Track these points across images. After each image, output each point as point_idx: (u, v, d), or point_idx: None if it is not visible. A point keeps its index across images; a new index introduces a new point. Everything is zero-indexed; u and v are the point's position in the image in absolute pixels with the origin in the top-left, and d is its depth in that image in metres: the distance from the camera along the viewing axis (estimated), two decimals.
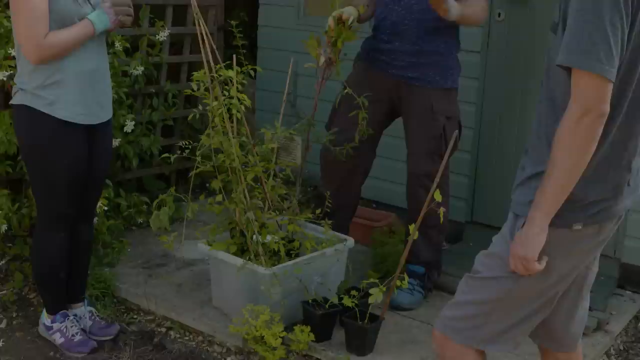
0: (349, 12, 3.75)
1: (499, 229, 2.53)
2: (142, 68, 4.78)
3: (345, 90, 3.79)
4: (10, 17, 3.35)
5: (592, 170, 2.24)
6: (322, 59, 3.81)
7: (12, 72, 3.90)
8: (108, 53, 3.61)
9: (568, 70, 2.18)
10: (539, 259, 2.30)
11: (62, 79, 3.29)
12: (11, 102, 3.42)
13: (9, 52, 3.93)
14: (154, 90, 5.08)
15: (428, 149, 3.86)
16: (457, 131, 3.60)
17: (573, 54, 2.14)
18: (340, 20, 3.75)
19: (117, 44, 4.53)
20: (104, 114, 3.48)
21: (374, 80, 3.94)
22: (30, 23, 3.17)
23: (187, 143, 3.59)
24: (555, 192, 2.23)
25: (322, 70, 3.86)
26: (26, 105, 3.32)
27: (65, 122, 3.32)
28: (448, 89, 3.91)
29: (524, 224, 2.32)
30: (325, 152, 4.01)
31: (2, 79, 3.96)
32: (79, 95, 3.34)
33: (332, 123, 4.03)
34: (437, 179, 3.32)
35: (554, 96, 2.31)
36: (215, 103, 3.53)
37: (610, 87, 2.14)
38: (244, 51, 3.70)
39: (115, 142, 4.45)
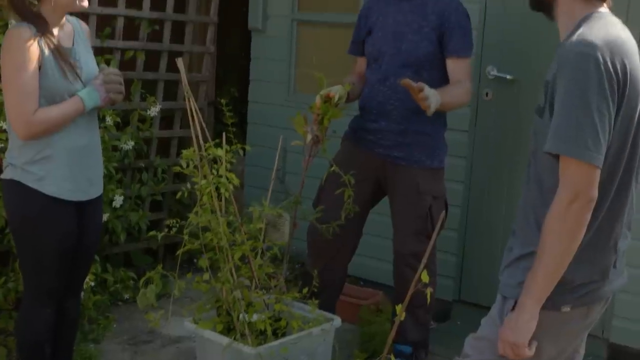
0: (336, 90, 3.78)
1: (487, 307, 2.53)
2: (133, 143, 4.79)
3: (332, 169, 3.81)
4: (1, 90, 3.36)
5: (579, 253, 2.25)
6: (309, 137, 3.83)
7: (3, 145, 3.90)
8: (99, 127, 3.61)
9: (556, 156, 2.21)
10: (529, 344, 2.30)
11: (52, 154, 3.27)
12: (1, 176, 3.41)
13: (0, 125, 3.94)
14: (143, 165, 5.08)
15: (414, 229, 3.87)
16: (444, 212, 3.60)
17: (561, 141, 2.17)
18: (327, 98, 3.78)
19: (108, 119, 4.55)
20: (94, 191, 3.46)
21: (361, 158, 3.97)
22: (20, 99, 3.16)
23: (175, 221, 3.58)
24: (546, 277, 2.24)
25: (309, 147, 3.89)
26: (16, 180, 3.30)
27: (54, 198, 3.31)
28: (435, 168, 3.94)
29: (513, 306, 2.32)
30: (312, 230, 4.01)
31: None
32: (68, 171, 3.31)
33: (319, 201, 4.04)
34: (424, 260, 3.31)
35: (541, 179, 2.33)
36: (203, 182, 3.54)
37: (598, 172, 2.18)
38: (234, 129, 3.72)
39: (104, 217, 4.43)
